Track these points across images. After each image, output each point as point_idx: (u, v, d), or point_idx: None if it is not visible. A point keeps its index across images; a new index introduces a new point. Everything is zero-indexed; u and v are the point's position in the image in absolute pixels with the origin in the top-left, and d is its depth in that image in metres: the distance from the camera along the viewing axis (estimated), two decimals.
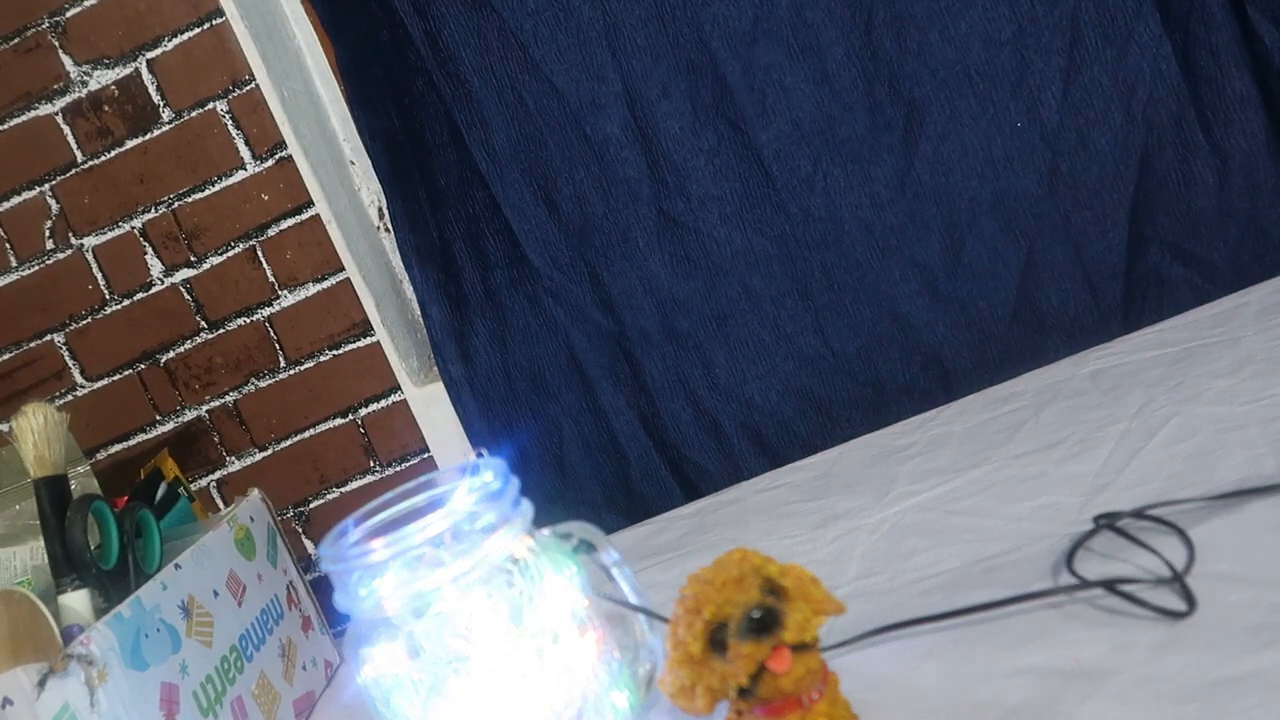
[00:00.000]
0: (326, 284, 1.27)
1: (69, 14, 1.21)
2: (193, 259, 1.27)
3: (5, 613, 0.70)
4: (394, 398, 1.30)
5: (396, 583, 0.60)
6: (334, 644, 1.01)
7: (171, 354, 1.30)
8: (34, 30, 1.21)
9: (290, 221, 1.25)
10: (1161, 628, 0.56)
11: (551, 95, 1.07)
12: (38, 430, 0.79)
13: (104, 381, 1.31)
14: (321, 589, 0.86)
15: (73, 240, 1.27)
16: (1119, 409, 0.84)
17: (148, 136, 1.24)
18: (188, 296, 1.28)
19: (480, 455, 0.69)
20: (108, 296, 1.28)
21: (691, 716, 0.55)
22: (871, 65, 1.04)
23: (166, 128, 1.24)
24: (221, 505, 1.34)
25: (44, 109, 1.23)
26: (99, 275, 1.28)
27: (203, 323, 1.29)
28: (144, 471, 1.22)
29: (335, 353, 1.29)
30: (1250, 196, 1.03)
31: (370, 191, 1.31)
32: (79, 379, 1.31)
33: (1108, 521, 0.67)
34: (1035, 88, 1.03)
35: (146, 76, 1.22)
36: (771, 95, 1.05)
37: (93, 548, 0.78)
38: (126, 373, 1.30)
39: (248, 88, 1.22)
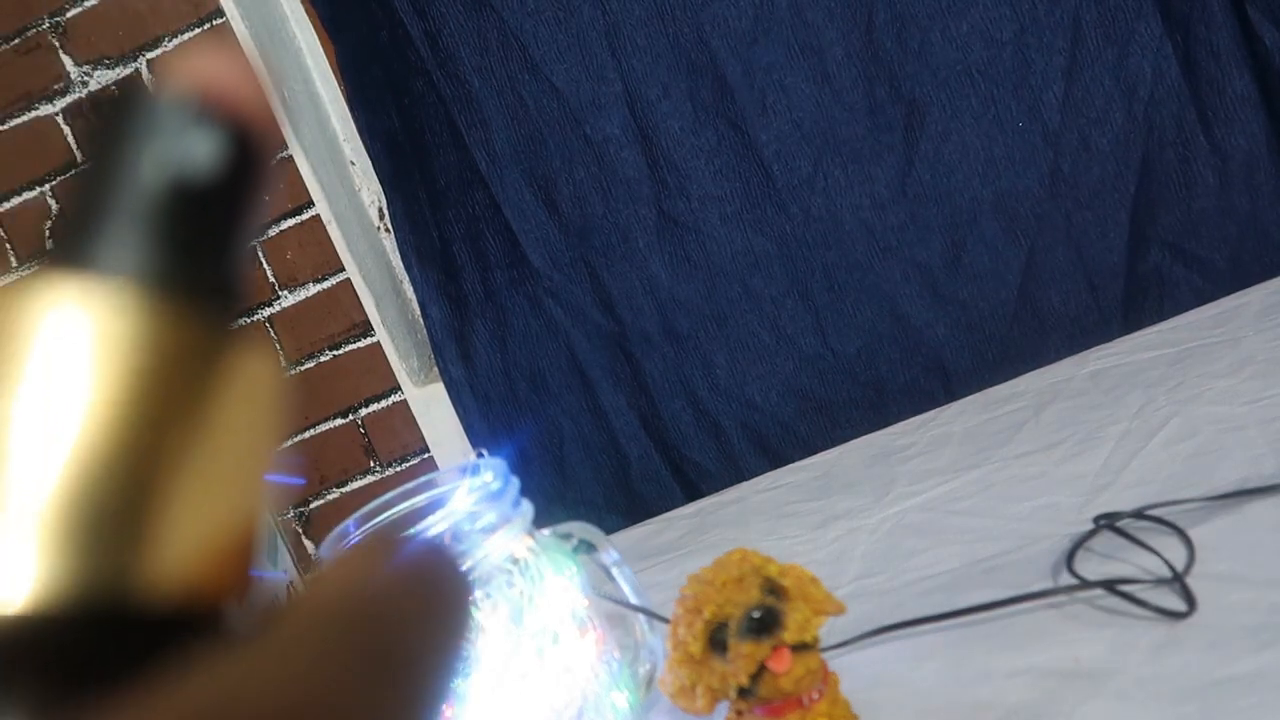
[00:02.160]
0: (327, 284, 1.27)
1: (69, 14, 1.21)
2: None
3: None
4: (394, 398, 1.30)
5: None
6: None
7: None
8: (34, 31, 1.21)
9: (290, 222, 1.26)
10: (1161, 628, 0.56)
11: (551, 95, 1.07)
12: None
13: None
14: None
15: None
16: (1119, 409, 0.84)
17: None
18: None
19: (480, 455, 0.69)
20: None
21: (691, 716, 0.55)
22: (872, 65, 1.04)
23: None
24: None
25: (44, 109, 1.24)
26: None
27: None
28: None
29: (335, 353, 1.29)
30: (1251, 197, 1.03)
31: (370, 192, 1.31)
32: None
33: (1108, 522, 0.67)
34: (1036, 88, 1.03)
35: (147, 77, 1.22)
36: (772, 95, 1.05)
37: None
38: None
39: None
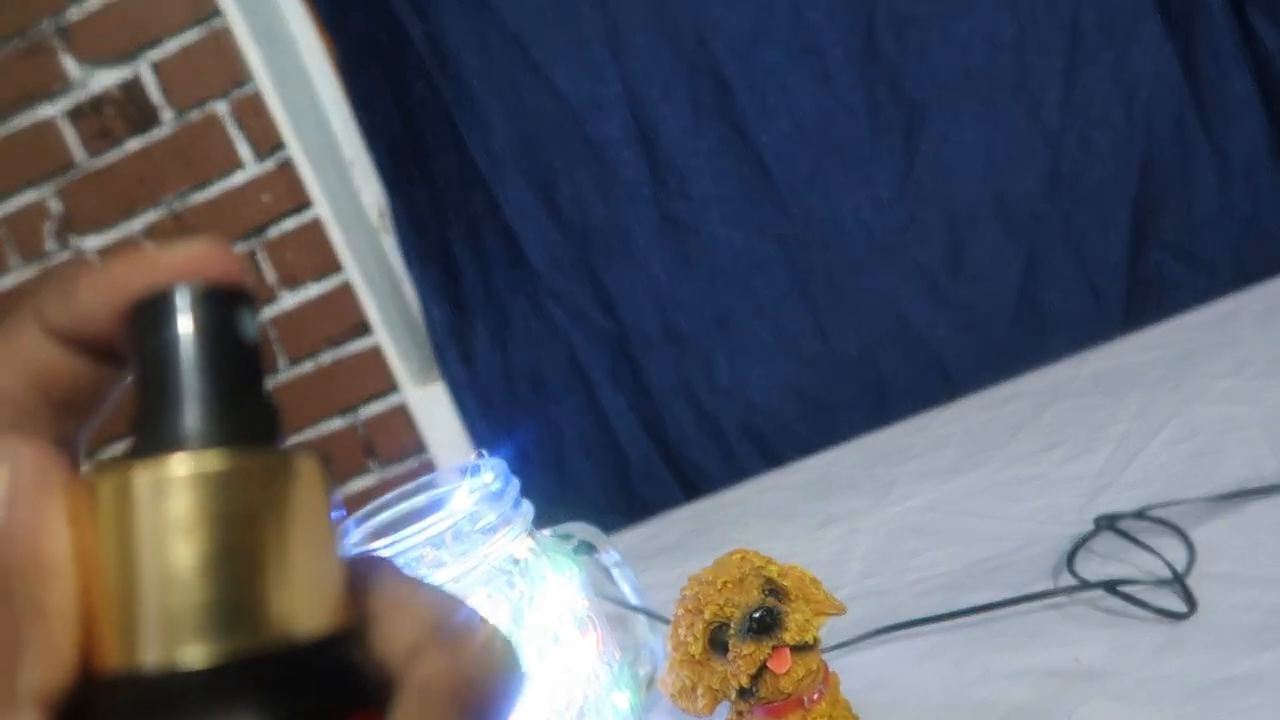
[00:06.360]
0: (327, 285, 1.27)
1: (71, 16, 1.21)
2: None
3: None
4: (394, 399, 1.30)
5: None
6: None
7: None
8: (36, 31, 1.21)
9: (291, 222, 1.26)
10: (1162, 629, 0.56)
11: (552, 96, 1.07)
12: None
13: None
14: None
15: (74, 241, 1.27)
16: (1120, 409, 0.84)
17: (149, 137, 1.24)
18: None
19: (480, 456, 0.68)
20: None
21: (692, 717, 0.55)
22: (872, 66, 1.04)
23: (167, 129, 1.24)
24: None
25: (45, 110, 1.24)
26: None
27: None
28: None
29: (335, 354, 1.29)
30: (1251, 197, 1.03)
31: (371, 193, 1.31)
32: None
33: (1108, 522, 0.67)
34: (1036, 89, 1.03)
35: (148, 77, 1.22)
36: (772, 96, 1.05)
37: None
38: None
39: (248, 89, 1.22)
